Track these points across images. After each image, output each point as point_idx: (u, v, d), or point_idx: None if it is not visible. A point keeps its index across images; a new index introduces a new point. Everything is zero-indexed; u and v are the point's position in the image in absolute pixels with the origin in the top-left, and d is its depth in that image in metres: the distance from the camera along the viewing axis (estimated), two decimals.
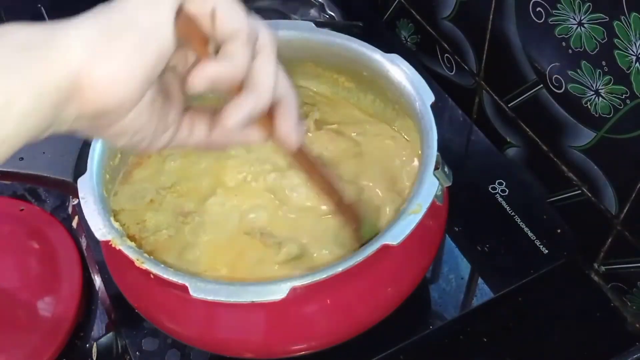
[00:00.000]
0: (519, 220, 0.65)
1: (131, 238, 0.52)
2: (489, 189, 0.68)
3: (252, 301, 0.45)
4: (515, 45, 0.65)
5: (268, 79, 0.37)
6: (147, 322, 0.55)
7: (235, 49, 0.36)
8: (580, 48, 0.57)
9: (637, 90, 0.53)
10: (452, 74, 0.80)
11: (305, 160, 0.44)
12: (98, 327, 0.70)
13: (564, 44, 0.59)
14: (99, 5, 0.34)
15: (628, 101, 0.55)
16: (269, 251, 0.54)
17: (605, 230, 0.63)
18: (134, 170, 0.59)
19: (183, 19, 0.35)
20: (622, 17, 0.51)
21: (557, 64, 0.61)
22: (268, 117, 0.39)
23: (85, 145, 0.56)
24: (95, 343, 0.62)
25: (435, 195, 0.48)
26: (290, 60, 0.63)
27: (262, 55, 0.37)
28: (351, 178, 0.58)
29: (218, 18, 0.35)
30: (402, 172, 0.58)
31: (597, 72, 0.56)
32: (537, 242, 0.64)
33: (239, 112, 0.36)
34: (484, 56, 0.72)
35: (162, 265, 0.47)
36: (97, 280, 0.67)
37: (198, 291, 0.45)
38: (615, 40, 0.53)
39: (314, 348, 0.52)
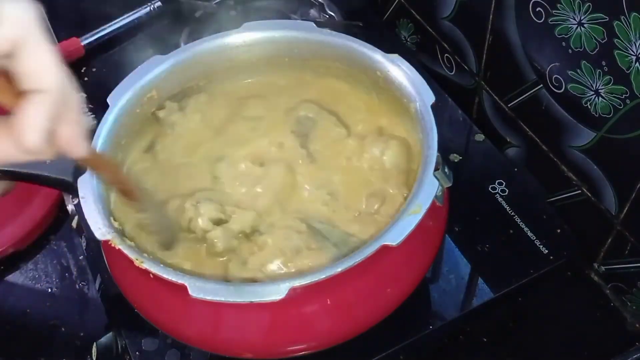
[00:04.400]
0: (519, 220, 0.65)
1: None
2: (489, 189, 0.68)
3: (252, 301, 0.45)
4: (515, 45, 0.65)
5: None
6: (147, 322, 0.55)
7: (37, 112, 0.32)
8: (580, 48, 0.57)
9: (637, 90, 0.53)
10: (452, 74, 0.80)
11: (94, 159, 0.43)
12: (98, 327, 0.70)
13: (563, 43, 0.59)
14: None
15: (628, 101, 0.55)
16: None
17: (605, 230, 0.63)
18: None
19: None
20: (622, 17, 0.51)
21: (557, 63, 0.61)
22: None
23: None
24: (95, 343, 0.62)
25: (435, 196, 0.48)
26: (292, 61, 0.63)
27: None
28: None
29: (27, 73, 0.31)
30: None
31: (597, 72, 0.56)
32: (537, 242, 0.64)
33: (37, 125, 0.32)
34: (484, 56, 0.72)
35: (162, 265, 0.47)
36: (97, 280, 0.67)
37: (197, 291, 0.45)
38: (615, 40, 0.53)
39: (313, 348, 0.52)
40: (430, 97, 0.54)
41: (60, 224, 0.81)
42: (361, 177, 0.58)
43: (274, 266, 0.52)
